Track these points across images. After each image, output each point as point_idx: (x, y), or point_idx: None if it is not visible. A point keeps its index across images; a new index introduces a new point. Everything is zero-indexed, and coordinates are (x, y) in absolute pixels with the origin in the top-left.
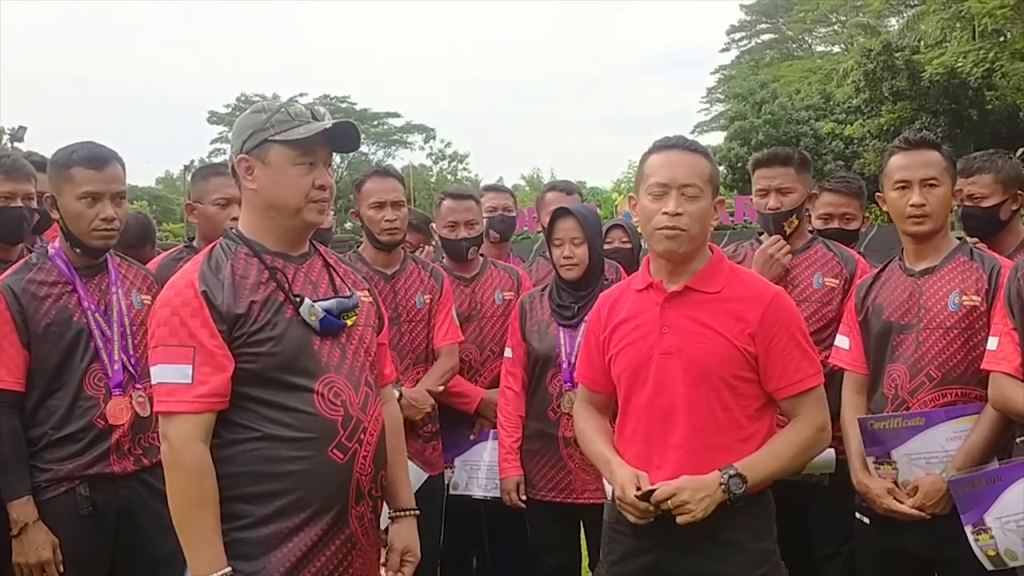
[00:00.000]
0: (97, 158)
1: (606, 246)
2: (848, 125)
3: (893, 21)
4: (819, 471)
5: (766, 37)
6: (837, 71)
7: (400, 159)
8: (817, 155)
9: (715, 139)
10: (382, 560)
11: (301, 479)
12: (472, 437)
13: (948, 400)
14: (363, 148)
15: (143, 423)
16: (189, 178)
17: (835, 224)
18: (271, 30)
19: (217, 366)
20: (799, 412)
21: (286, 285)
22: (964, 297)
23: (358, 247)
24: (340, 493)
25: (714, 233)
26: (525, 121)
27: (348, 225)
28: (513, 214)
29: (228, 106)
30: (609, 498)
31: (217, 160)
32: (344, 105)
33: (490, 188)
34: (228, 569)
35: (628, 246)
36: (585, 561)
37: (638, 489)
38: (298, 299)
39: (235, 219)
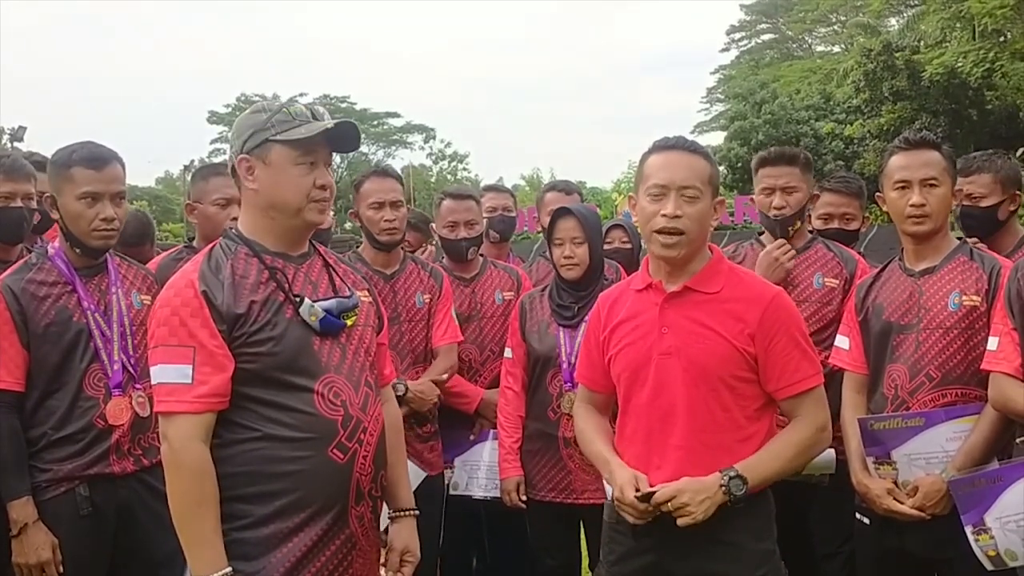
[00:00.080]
0: (97, 158)
1: (606, 246)
2: (848, 125)
3: (893, 21)
4: (819, 472)
5: (766, 37)
6: (837, 71)
7: (400, 159)
8: (817, 155)
9: (715, 139)
10: (382, 560)
11: (301, 479)
12: (472, 437)
13: (948, 400)
14: (363, 148)
15: (143, 423)
16: (189, 178)
17: (835, 224)
18: (271, 30)
19: (217, 366)
20: (799, 412)
21: (286, 285)
22: (964, 297)
23: (358, 247)
24: (340, 493)
25: (714, 233)
26: (525, 121)
27: (348, 225)
28: (513, 214)
29: (228, 106)
30: (609, 498)
31: (217, 160)
32: (344, 105)
33: (490, 188)
34: (228, 569)
35: (628, 246)
36: (585, 561)
37: (637, 490)
38: (298, 299)
39: (235, 219)
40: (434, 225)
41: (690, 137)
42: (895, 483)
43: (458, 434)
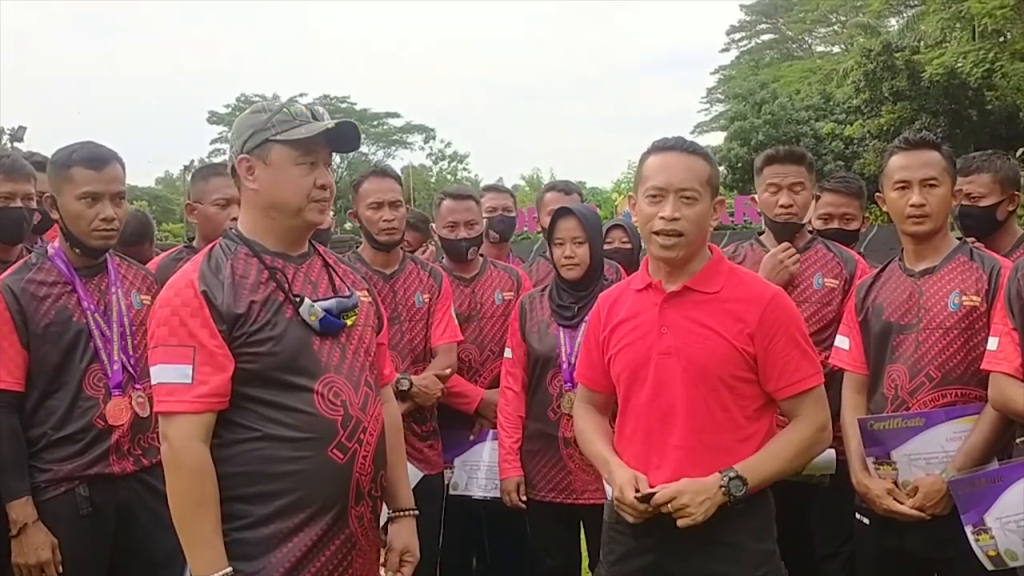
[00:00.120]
0: (97, 158)
1: (606, 246)
2: (848, 125)
3: (893, 21)
4: (819, 472)
5: (766, 37)
6: (837, 71)
7: (400, 159)
8: (817, 155)
9: (715, 139)
10: (381, 560)
11: (301, 479)
12: (472, 437)
13: (948, 400)
14: (363, 148)
15: (143, 423)
16: (189, 178)
17: (835, 224)
18: (271, 30)
19: (217, 366)
20: (799, 412)
21: (286, 285)
22: (964, 297)
23: (357, 247)
24: (340, 493)
25: (714, 233)
26: (525, 121)
27: (348, 225)
28: (513, 214)
29: (228, 106)
30: (609, 498)
31: (217, 160)
32: (344, 105)
33: (490, 188)
34: (228, 569)
35: (628, 246)
36: (585, 562)
37: (637, 491)
38: (298, 299)
39: (235, 219)
40: (434, 225)
41: (690, 137)
42: (895, 483)
43: (458, 434)
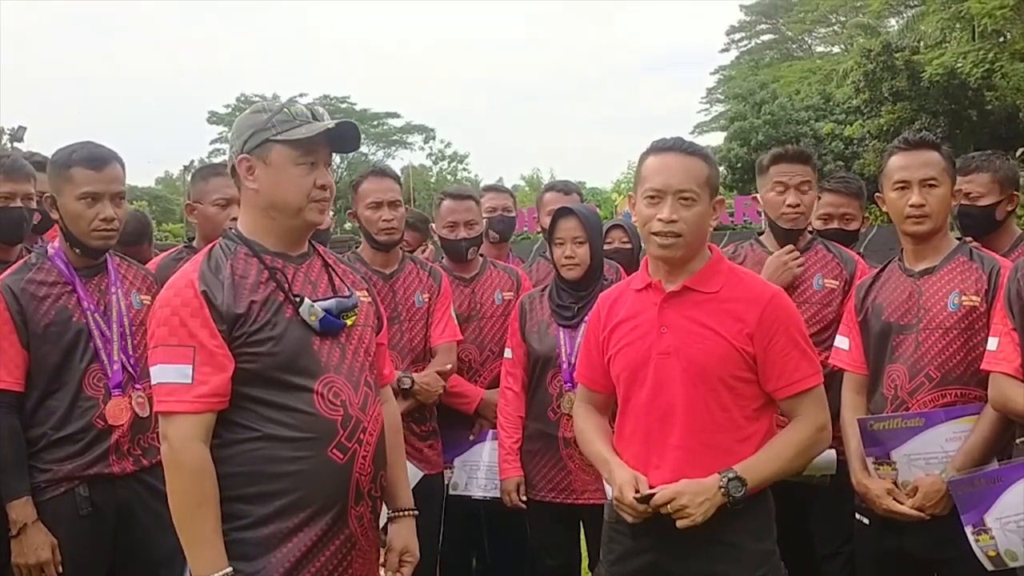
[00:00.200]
0: (97, 158)
1: (606, 246)
2: (848, 126)
3: (893, 21)
4: (820, 473)
5: (766, 38)
6: (837, 71)
7: (400, 159)
8: (817, 156)
9: (715, 139)
10: (381, 560)
11: (301, 479)
12: (471, 437)
13: (948, 400)
14: (363, 148)
15: (142, 423)
16: (189, 178)
17: (835, 224)
18: (271, 30)
19: (217, 366)
20: (799, 412)
21: (286, 285)
22: (964, 297)
23: (357, 247)
24: (340, 493)
25: (714, 233)
26: (525, 121)
27: (348, 226)
28: (513, 214)
29: (228, 106)
30: (609, 498)
31: (217, 160)
32: (344, 105)
33: (490, 188)
34: (229, 569)
35: (628, 246)
36: (585, 562)
37: (637, 492)
38: (298, 299)
39: (235, 219)
40: (434, 225)
41: (689, 138)
42: (895, 483)
43: (458, 434)
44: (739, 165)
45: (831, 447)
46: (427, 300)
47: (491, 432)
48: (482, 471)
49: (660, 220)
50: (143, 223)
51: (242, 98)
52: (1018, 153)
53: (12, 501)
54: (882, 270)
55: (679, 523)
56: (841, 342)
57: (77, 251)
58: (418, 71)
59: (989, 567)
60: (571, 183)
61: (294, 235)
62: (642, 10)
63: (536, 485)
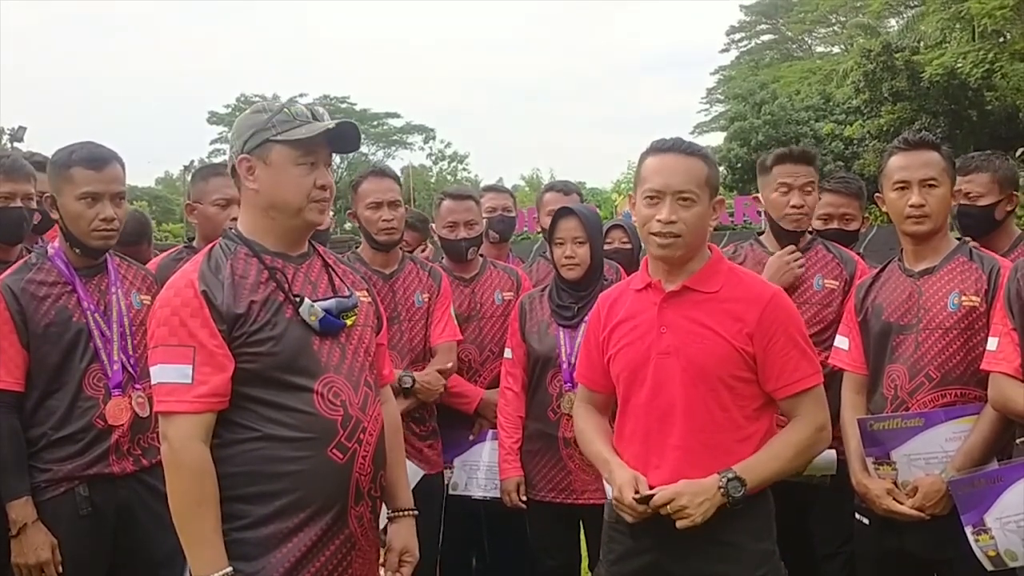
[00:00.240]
0: (97, 158)
1: (606, 246)
2: (848, 126)
3: (893, 22)
4: (820, 473)
5: (766, 38)
6: (837, 72)
7: (400, 159)
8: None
9: (715, 140)
10: (381, 560)
11: (301, 479)
12: (471, 437)
13: (947, 400)
14: (363, 149)
15: (142, 423)
16: (189, 178)
17: (835, 225)
18: (271, 30)
19: (217, 366)
20: (798, 412)
21: (286, 285)
22: (963, 297)
23: (356, 248)
24: (340, 493)
25: (714, 233)
26: (525, 121)
27: (348, 226)
28: (513, 214)
29: (228, 106)
30: (609, 498)
31: (217, 160)
32: (344, 105)
33: (489, 188)
34: (229, 569)
35: (628, 246)
36: (585, 562)
37: (636, 492)
38: (298, 299)
39: (235, 219)
40: (434, 225)
41: (689, 138)
42: (895, 483)
43: (458, 434)
44: (739, 165)
45: (831, 447)
46: (427, 300)
47: (491, 432)
48: (482, 471)
49: (659, 221)
50: (142, 223)
51: (242, 98)
52: (1018, 153)
53: (12, 501)
54: (882, 270)
55: (678, 523)
56: (841, 342)
57: (77, 251)
58: (418, 71)
59: (989, 567)
60: (571, 183)
61: (294, 235)
62: (642, 10)
63: (536, 485)
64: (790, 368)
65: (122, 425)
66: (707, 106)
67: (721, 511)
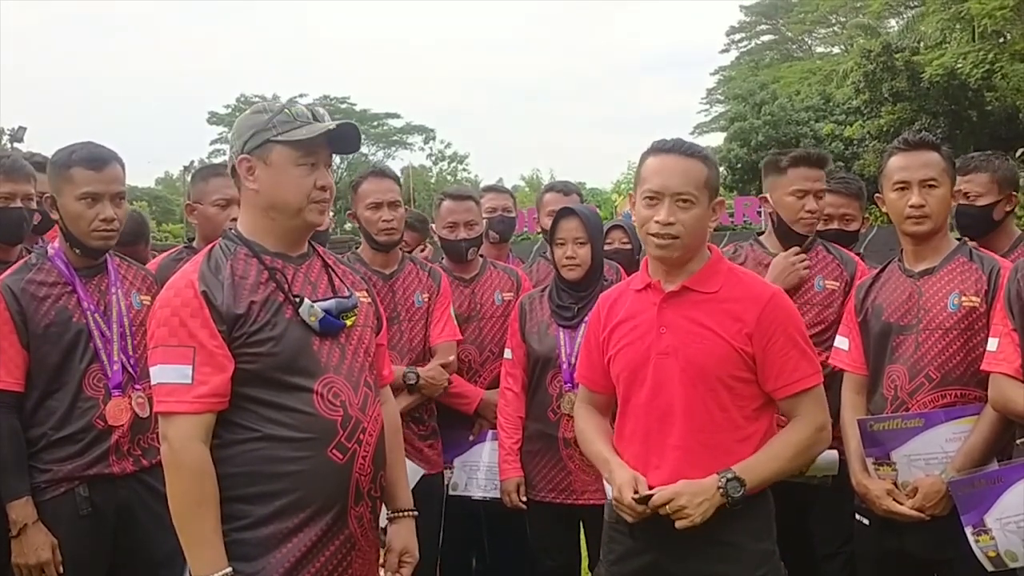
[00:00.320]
0: (97, 158)
1: (606, 247)
2: (848, 126)
3: (893, 22)
4: (822, 474)
5: (766, 38)
6: (837, 72)
7: (400, 160)
8: None
9: (715, 140)
10: (381, 561)
11: (301, 479)
12: (471, 438)
13: (947, 401)
14: (363, 149)
15: (142, 424)
16: (189, 179)
17: (835, 225)
18: (271, 30)
19: (217, 366)
20: (798, 412)
21: (285, 286)
22: (963, 298)
23: (357, 248)
24: (339, 493)
25: (714, 234)
26: (525, 121)
27: (348, 226)
28: (513, 215)
29: (228, 106)
30: (609, 498)
31: (217, 160)
32: (344, 106)
33: (489, 189)
34: (228, 569)
35: (628, 247)
36: (585, 562)
37: (636, 492)
38: (297, 299)
39: (235, 220)
40: (434, 226)
41: (689, 138)
42: (895, 484)
43: (457, 435)
44: (739, 166)
45: (832, 448)
46: (427, 300)
47: (491, 432)
48: (482, 471)
49: (657, 222)
50: (140, 223)
51: (242, 98)
52: (1018, 154)
53: (12, 501)
54: (882, 271)
55: (677, 524)
56: (841, 342)
57: (77, 251)
58: (418, 71)
59: (989, 568)
60: (571, 183)
61: (294, 236)
62: (642, 10)
63: (536, 485)
64: (789, 368)
65: (122, 425)
66: (707, 106)
67: (721, 511)
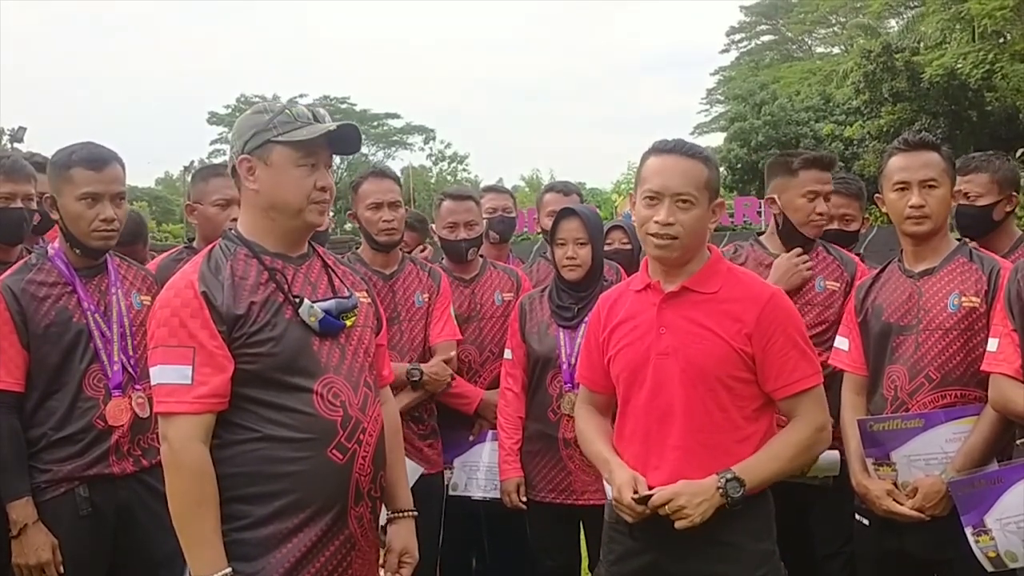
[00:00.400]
0: (97, 159)
1: (606, 247)
2: (848, 126)
3: (893, 22)
4: (823, 474)
5: (766, 38)
6: (837, 72)
7: (400, 160)
8: None
9: (715, 140)
10: (381, 561)
11: (300, 480)
12: (471, 438)
13: (947, 401)
14: (363, 149)
15: (142, 424)
16: (189, 179)
17: (835, 225)
18: (271, 30)
19: (217, 367)
20: (798, 412)
21: (285, 286)
22: (963, 298)
23: (357, 248)
24: (339, 494)
25: (714, 234)
26: (525, 121)
27: (348, 226)
28: (513, 215)
29: (228, 106)
30: (609, 498)
31: (217, 161)
32: (344, 106)
33: (489, 189)
34: (228, 569)
35: (628, 247)
36: (585, 562)
37: (635, 492)
38: (297, 300)
39: (235, 220)
40: (434, 226)
41: (689, 138)
42: (895, 484)
43: (457, 435)
44: (739, 166)
45: (833, 448)
46: (427, 300)
47: (491, 433)
48: (482, 472)
49: (656, 222)
50: (138, 223)
51: (242, 99)
52: (1018, 154)
53: (12, 501)
54: (882, 271)
55: (677, 524)
56: (841, 343)
57: (77, 252)
58: (418, 71)
59: (989, 568)
60: (571, 184)
61: (294, 236)
62: (642, 10)
63: (536, 486)
64: (789, 368)
65: (122, 426)
66: (707, 107)
67: (720, 511)
